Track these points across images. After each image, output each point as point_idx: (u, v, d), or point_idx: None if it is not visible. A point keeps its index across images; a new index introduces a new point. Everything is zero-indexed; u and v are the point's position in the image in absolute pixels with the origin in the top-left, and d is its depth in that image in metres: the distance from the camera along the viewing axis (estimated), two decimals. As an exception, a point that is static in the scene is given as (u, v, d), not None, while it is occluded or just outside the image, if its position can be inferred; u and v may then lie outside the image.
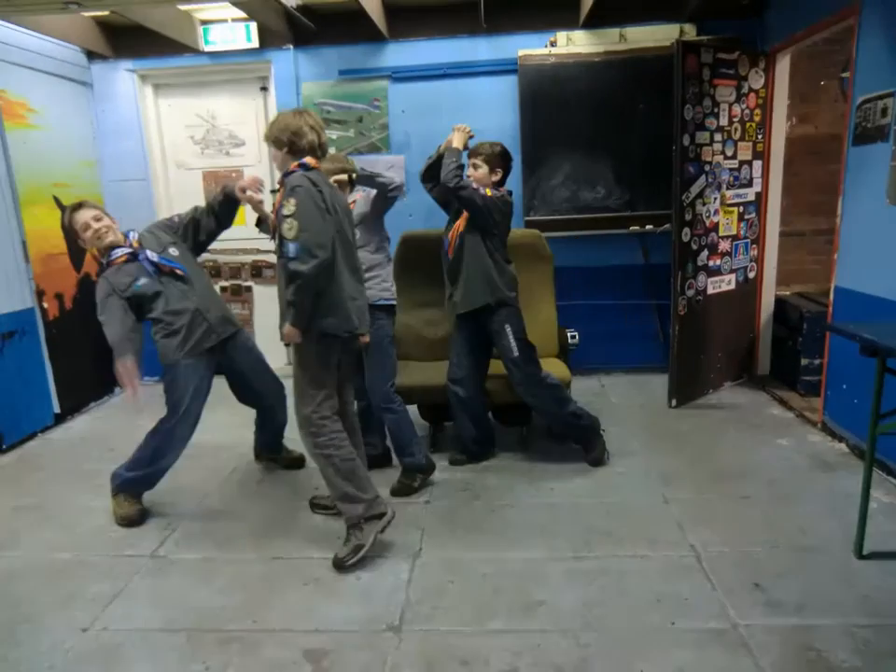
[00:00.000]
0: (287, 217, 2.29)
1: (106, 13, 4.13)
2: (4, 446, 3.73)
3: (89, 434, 4.05)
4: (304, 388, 2.47)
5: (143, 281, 2.78)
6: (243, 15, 4.19)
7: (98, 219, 2.82)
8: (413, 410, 3.55)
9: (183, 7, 4.15)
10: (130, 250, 2.81)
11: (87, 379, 4.48)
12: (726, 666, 1.88)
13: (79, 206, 2.85)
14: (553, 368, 3.26)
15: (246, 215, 4.82)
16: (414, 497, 2.99)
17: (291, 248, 2.30)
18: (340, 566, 2.43)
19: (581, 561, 2.43)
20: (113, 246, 2.82)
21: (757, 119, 4.05)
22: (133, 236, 2.87)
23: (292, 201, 2.30)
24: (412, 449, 3.02)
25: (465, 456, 3.30)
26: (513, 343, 3.01)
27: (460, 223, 3.05)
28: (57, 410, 4.18)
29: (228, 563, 2.53)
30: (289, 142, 2.40)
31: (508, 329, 3.01)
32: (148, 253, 2.81)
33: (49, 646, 2.09)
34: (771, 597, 2.16)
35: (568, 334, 3.39)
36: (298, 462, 3.34)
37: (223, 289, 4.99)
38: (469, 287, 3.02)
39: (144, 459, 2.85)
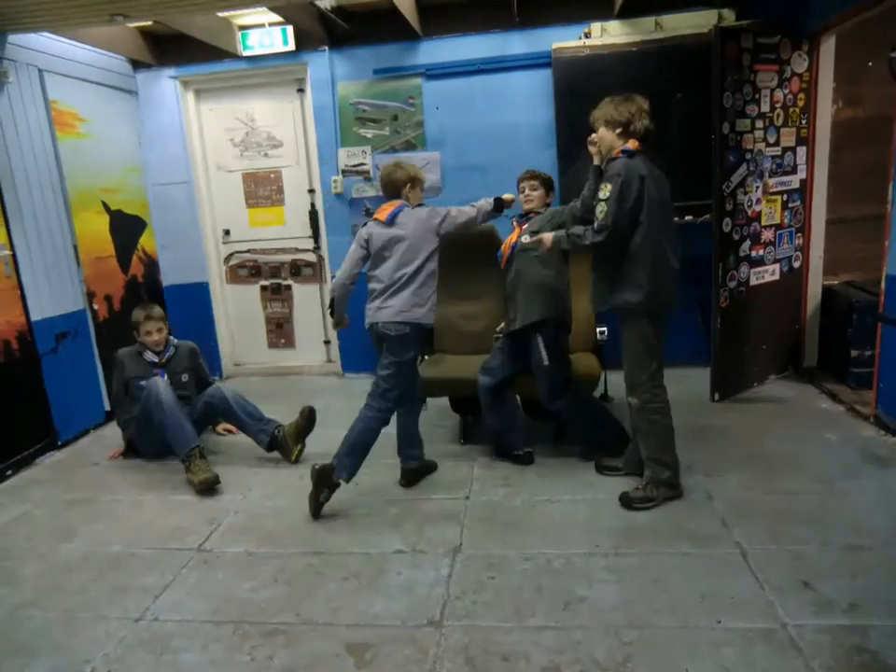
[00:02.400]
0: (602, 200, 2.55)
1: (150, 23, 4.24)
2: (59, 443, 3.88)
3: (138, 431, 4.18)
4: (641, 358, 2.68)
5: (143, 383, 3.42)
6: (279, 19, 4.25)
7: (160, 331, 3.59)
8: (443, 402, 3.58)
9: (222, 14, 4.24)
10: (156, 360, 3.58)
11: (135, 378, 4.62)
12: (775, 667, 1.83)
13: (148, 317, 3.57)
14: (586, 362, 3.25)
15: (285, 215, 4.95)
16: (455, 492, 3.00)
17: (589, 232, 2.61)
18: (627, 503, 2.74)
19: (622, 557, 2.40)
20: (154, 348, 3.58)
21: (801, 103, 3.92)
22: (170, 351, 3.63)
23: (609, 186, 2.53)
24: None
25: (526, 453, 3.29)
26: (544, 354, 3.06)
27: (513, 237, 3.22)
28: (107, 408, 4.32)
29: (271, 557, 2.58)
30: (625, 124, 2.59)
31: (539, 339, 3.06)
32: (163, 375, 3.52)
33: (103, 635, 2.17)
34: (822, 596, 2.10)
35: (597, 330, 3.35)
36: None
37: (263, 288, 5.09)
38: (522, 305, 3.16)
39: None
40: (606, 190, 2.54)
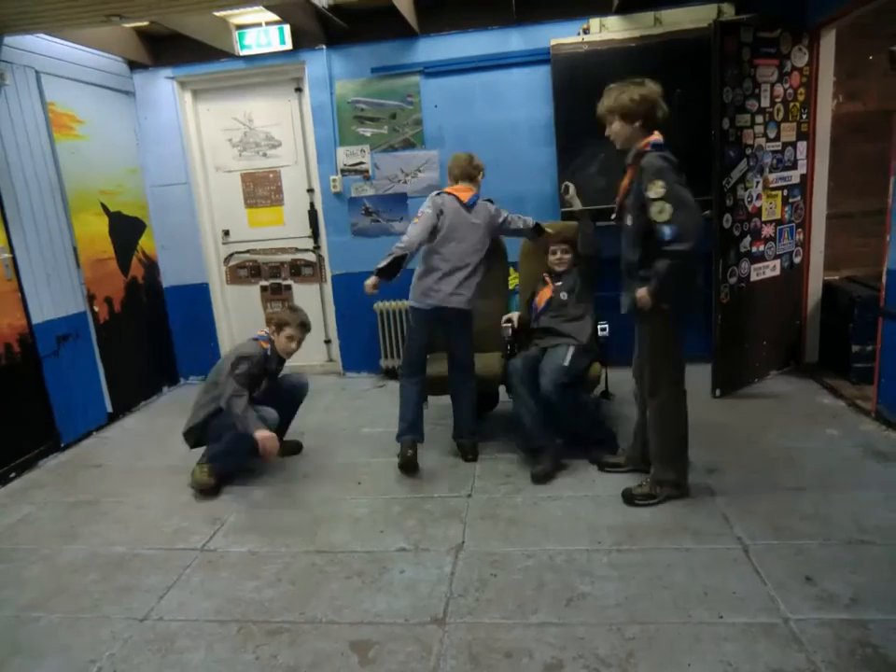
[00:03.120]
0: (657, 199, 2.34)
1: (146, 23, 4.24)
2: (62, 445, 3.89)
3: (140, 432, 4.19)
4: (665, 359, 2.63)
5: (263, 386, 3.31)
6: (276, 18, 4.24)
7: (300, 343, 3.38)
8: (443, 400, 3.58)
9: (219, 14, 4.23)
10: (273, 368, 3.38)
11: (136, 379, 4.64)
12: (778, 662, 1.84)
13: (303, 325, 3.35)
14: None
15: (285, 215, 4.95)
16: (457, 490, 3.01)
17: (667, 231, 2.35)
18: (629, 499, 2.72)
19: (624, 554, 2.41)
20: (283, 356, 3.38)
21: (801, 98, 3.91)
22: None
23: (659, 183, 2.33)
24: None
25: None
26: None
27: (546, 292, 3.34)
28: (109, 409, 4.34)
29: (274, 556, 2.59)
30: (645, 114, 2.42)
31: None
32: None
33: (108, 635, 2.18)
34: (823, 591, 2.10)
35: (598, 326, 3.36)
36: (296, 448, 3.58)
37: (263, 289, 5.09)
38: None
39: None
40: (657, 187, 2.35)
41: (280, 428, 3.33)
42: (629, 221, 2.56)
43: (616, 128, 2.52)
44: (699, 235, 2.38)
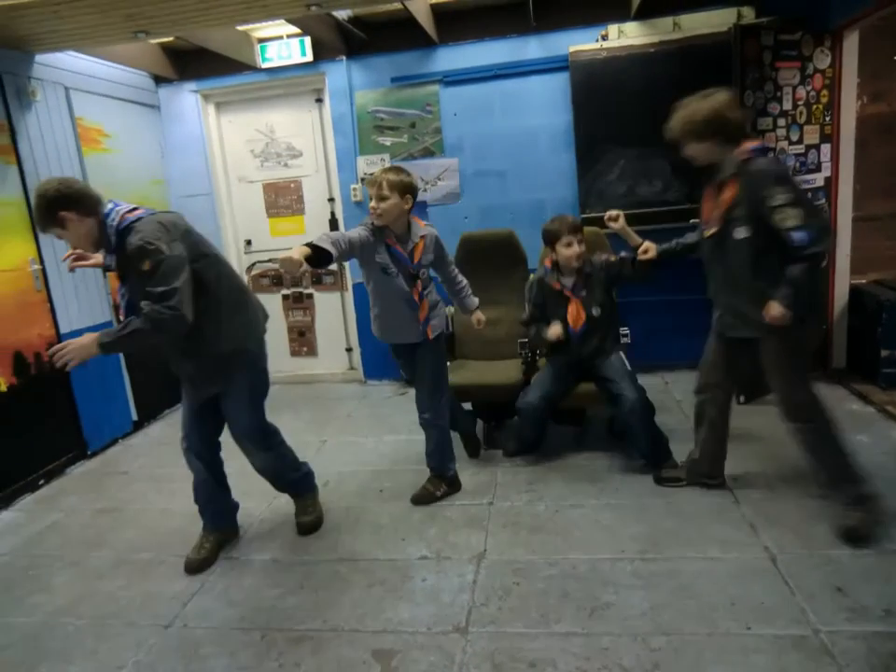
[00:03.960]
0: (781, 206, 2.21)
1: (171, 39, 4.33)
2: (89, 452, 3.96)
3: (164, 440, 4.24)
4: (794, 375, 2.45)
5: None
6: (297, 31, 4.30)
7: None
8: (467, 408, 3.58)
9: (241, 28, 4.30)
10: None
11: (160, 387, 4.69)
12: (808, 674, 1.80)
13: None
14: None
15: (306, 224, 4.99)
16: (478, 497, 3.00)
17: (799, 236, 2.20)
18: (848, 535, 2.38)
19: (648, 563, 2.38)
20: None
21: (824, 100, 3.86)
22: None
23: (780, 189, 2.21)
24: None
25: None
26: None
27: (580, 309, 3.12)
28: (135, 417, 4.40)
29: (297, 564, 2.60)
30: (716, 130, 2.31)
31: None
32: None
33: (134, 641, 2.20)
34: (855, 602, 2.05)
35: (620, 331, 3.34)
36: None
37: (285, 297, 5.14)
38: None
39: None
40: (779, 194, 2.21)
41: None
42: (741, 234, 2.37)
43: (691, 151, 2.43)
44: (829, 237, 2.31)
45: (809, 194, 3.88)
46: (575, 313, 3.09)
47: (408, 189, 2.65)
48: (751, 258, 2.38)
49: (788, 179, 2.28)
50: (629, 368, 3.08)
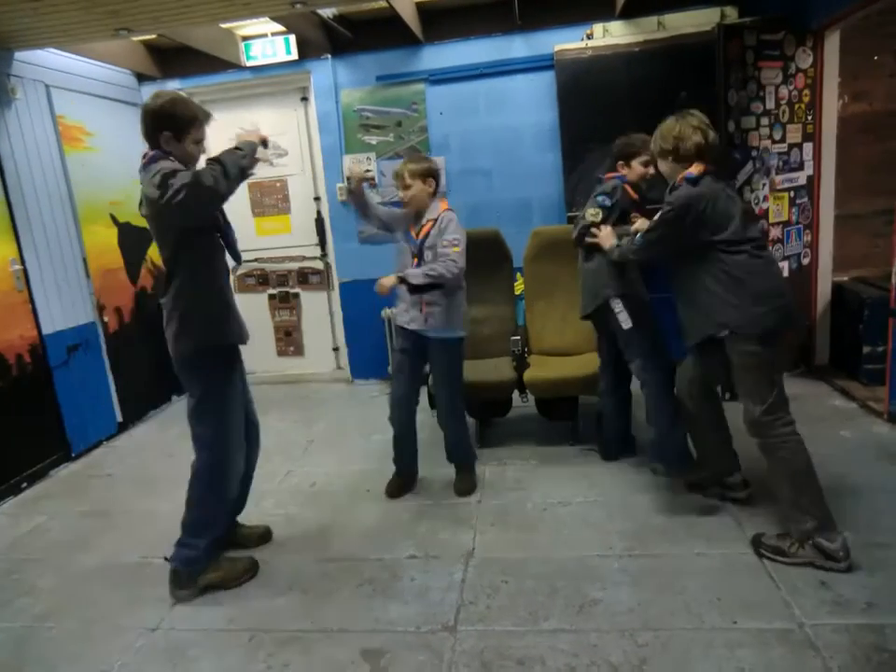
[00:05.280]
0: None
1: (154, 36, 4.29)
2: (73, 454, 3.91)
3: (150, 441, 4.20)
4: (759, 389, 2.31)
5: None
6: (282, 29, 4.28)
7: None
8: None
9: (225, 26, 4.27)
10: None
11: (146, 389, 4.66)
12: (793, 668, 1.82)
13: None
14: (594, 361, 3.24)
15: (292, 223, 4.97)
16: (465, 496, 3.00)
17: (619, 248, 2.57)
18: (756, 544, 2.36)
19: (635, 559, 2.39)
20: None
21: (806, 99, 3.90)
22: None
23: (665, 207, 2.38)
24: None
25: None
26: None
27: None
28: (119, 419, 4.36)
29: (284, 565, 2.58)
30: (673, 148, 2.41)
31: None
32: None
33: (120, 645, 2.18)
34: (838, 596, 2.08)
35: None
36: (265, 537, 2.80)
37: (271, 297, 5.11)
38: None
39: None
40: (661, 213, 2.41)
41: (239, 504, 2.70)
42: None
43: (660, 167, 2.56)
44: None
45: (792, 192, 3.93)
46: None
47: (428, 174, 2.84)
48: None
49: (682, 206, 2.31)
50: (625, 326, 2.84)
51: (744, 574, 2.24)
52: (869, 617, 1.98)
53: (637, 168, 2.94)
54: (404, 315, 2.90)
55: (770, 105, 3.74)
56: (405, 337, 2.95)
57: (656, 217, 2.45)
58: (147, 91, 4.77)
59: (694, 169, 2.37)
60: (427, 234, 2.82)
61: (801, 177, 3.97)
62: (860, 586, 2.11)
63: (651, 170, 2.90)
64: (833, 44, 3.90)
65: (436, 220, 2.83)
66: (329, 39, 4.45)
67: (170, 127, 2.26)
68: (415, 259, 2.83)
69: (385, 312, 4.70)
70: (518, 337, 3.50)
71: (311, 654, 2.06)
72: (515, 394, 3.45)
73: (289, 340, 5.20)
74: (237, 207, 4.97)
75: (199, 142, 2.40)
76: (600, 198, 2.89)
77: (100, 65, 4.33)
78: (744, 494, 2.71)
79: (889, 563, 2.22)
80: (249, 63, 4.56)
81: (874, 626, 1.94)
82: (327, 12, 4.11)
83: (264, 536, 2.77)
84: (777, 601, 2.09)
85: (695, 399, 2.66)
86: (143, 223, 5.00)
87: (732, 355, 2.36)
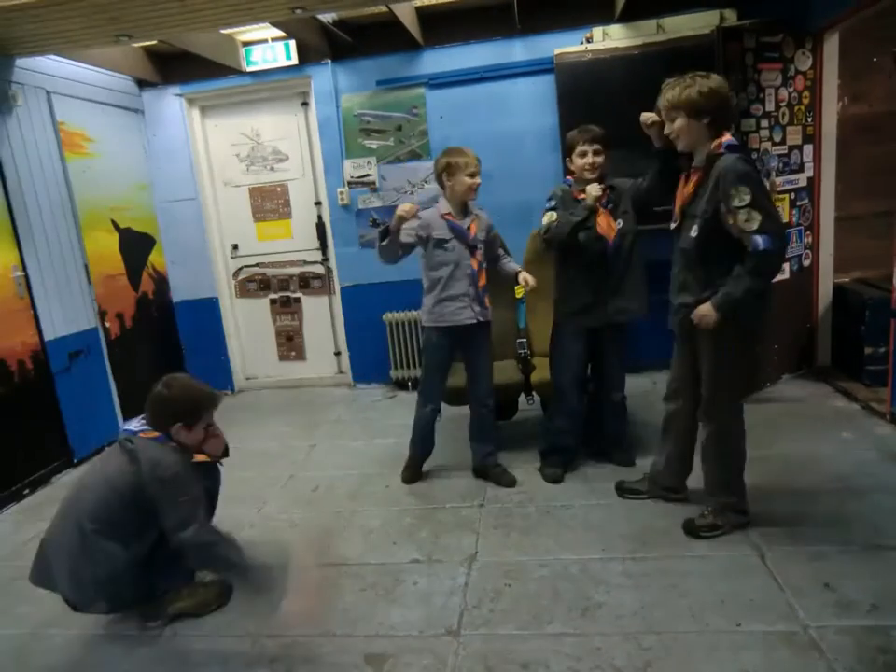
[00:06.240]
0: (742, 207, 2.12)
1: (154, 42, 4.30)
2: (75, 461, 3.91)
3: (152, 447, 4.20)
4: (729, 380, 2.39)
5: None
6: (282, 34, 4.29)
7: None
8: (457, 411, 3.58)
9: (225, 31, 4.28)
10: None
11: (147, 394, 4.65)
12: (798, 670, 1.82)
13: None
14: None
15: (293, 228, 4.98)
16: (469, 500, 3.00)
17: (760, 241, 2.11)
18: (693, 532, 2.50)
19: (639, 562, 2.39)
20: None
21: (806, 101, 3.91)
22: None
23: (744, 189, 2.11)
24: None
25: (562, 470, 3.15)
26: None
27: (610, 221, 2.87)
28: (121, 424, 4.36)
29: (286, 569, 2.58)
30: (716, 109, 2.18)
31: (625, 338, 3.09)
32: None
33: (123, 651, 2.18)
34: (843, 597, 2.08)
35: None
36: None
37: (273, 301, 5.12)
38: (634, 295, 2.96)
39: None
40: (742, 195, 2.11)
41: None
42: (693, 232, 2.29)
43: (680, 125, 2.26)
44: (786, 248, 2.26)
45: (793, 194, 3.94)
46: (606, 224, 2.85)
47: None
48: (699, 258, 2.31)
49: (753, 179, 2.17)
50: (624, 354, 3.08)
51: (747, 576, 2.24)
52: (874, 619, 1.97)
53: (575, 161, 2.93)
54: (465, 311, 2.98)
55: (770, 107, 3.75)
56: (448, 334, 3.03)
57: (742, 203, 2.13)
58: (149, 97, 4.79)
59: (731, 137, 2.23)
60: (476, 231, 3.02)
61: (801, 179, 3.97)
62: (864, 588, 2.10)
63: (595, 158, 2.86)
64: (832, 46, 3.90)
65: (477, 217, 3.05)
66: (330, 44, 4.47)
67: (182, 419, 2.20)
68: (476, 252, 3.01)
69: (387, 317, 4.70)
70: (524, 339, 3.49)
71: (314, 659, 2.06)
72: (521, 397, 3.45)
73: (291, 344, 5.20)
74: (238, 212, 5.00)
75: (209, 426, 2.30)
76: (547, 203, 2.97)
77: (101, 72, 4.34)
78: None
79: (894, 564, 2.22)
80: (250, 69, 4.58)
81: (879, 628, 1.93)
82: (327, 17, 4.13)
83: (223, 595, 2.42)
84: (780, 603, 2.08)
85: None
86: (144, 228, 5.06)
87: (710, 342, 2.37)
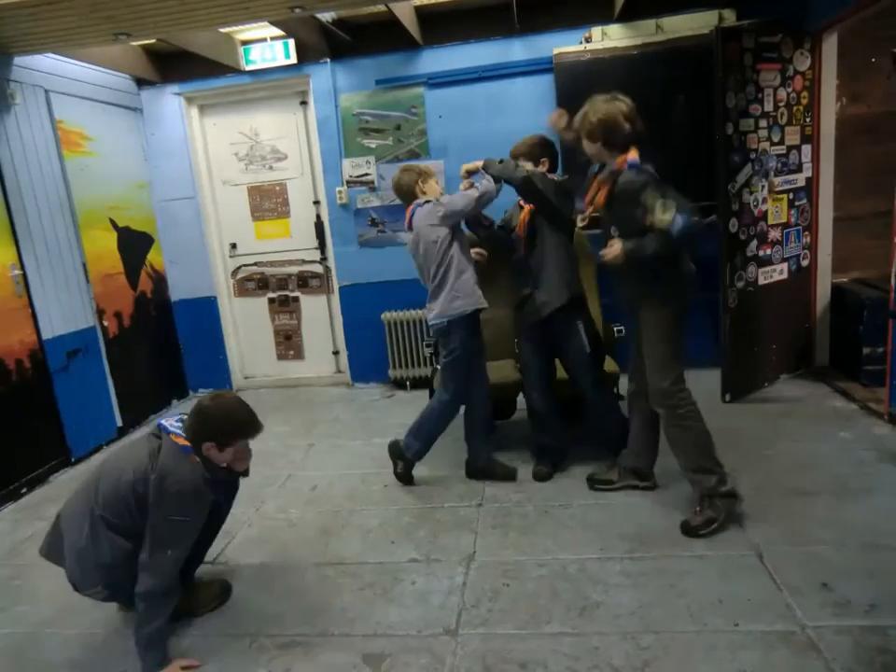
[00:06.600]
0: (657, 203, 2.35)
1: (153, 41, 4.29)
2: (72, 459, 3.91)
3: (150, 446, 4.19)
4: (666, 361, 2.54)
5: None
6: (281, 33, 4.29)
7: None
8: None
9: (224, 30, 4.28)
10: None
11: (145, 393, 4.66)
12: (796, 670, 1.82)
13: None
14: (606, 362, 3.24)
15: (291, 227, 4.97)
16: (467, 499, 3.00)
17: (679, 220, 2.32)
18: (691, 533, 2.52)
19: (637, 562, 2.39)
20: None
21: (804, 101, 3.91)
22: None
23: (649, 192, 2.37)
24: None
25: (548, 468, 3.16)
26: (585, 340, 2.99)
27: (524, 215, 3.02)
28: (119, 423, 4.35)
29: (285, 569, 2.58)
30: (605, 135, 2.47)
31: (580, 325, 2.99)
32: None
33: (121, 651, 2.17)
34: (841, 597, 2.08)
35: (615, 328, 3.37)
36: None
37: (271, 300, 5.12)
38: (550, 286, 2.95)
39: None
40: (649, 197, 2.37)
41: (191, 568, 2.36)
42: (614, 233, 2.57)
43: (584, 146, 2.58)
44: (698, 222, 2.40)
45: (791, 194, 3.94)
46: (522, 217, 3.04)
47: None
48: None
49: (650, 184, 2.40)
50: (589, 349, 2.97)
51: (745, 576, 2.24)
52: (872, 619, 1.97)
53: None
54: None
55: (768, 107, 3.75)
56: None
57: (654, 200, 2.37)
58: (147, 96, 4.79)
59: (633, 155, 2.47)
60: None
61: (800, 179, 3.98)
62: (862, 588, 2.11)
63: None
64: (830, 46, 3.91)
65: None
66: (329, 43, 4.46)
67: (216, 439, 2.08)
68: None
69: (386, 316, 4.70)
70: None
71: (312, 659, 2.05)
72: (519, 396, 3.45)
73: (289, 343, 5.19)
74: (237, 211, 5.00)
75: (239, 451, 2.15)
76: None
77: (99, 70, 4.33)
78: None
79: (892, 565, 2.22)
80: (249, 68, 4.57)
81: (877, 628, 1.93)
82: (326, 16, 4.13)
83: (222, 595, 2.42)
84: (778, 603, 2.09)
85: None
86: (143, 227, 5.06)
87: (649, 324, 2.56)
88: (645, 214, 2.40)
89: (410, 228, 3.02)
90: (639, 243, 2.44)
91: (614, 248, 2.48)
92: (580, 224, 3.10)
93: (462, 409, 3.17)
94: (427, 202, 2.97)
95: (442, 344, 3.03)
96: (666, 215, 2.35)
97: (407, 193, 3.03)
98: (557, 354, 3.12)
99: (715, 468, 2.56)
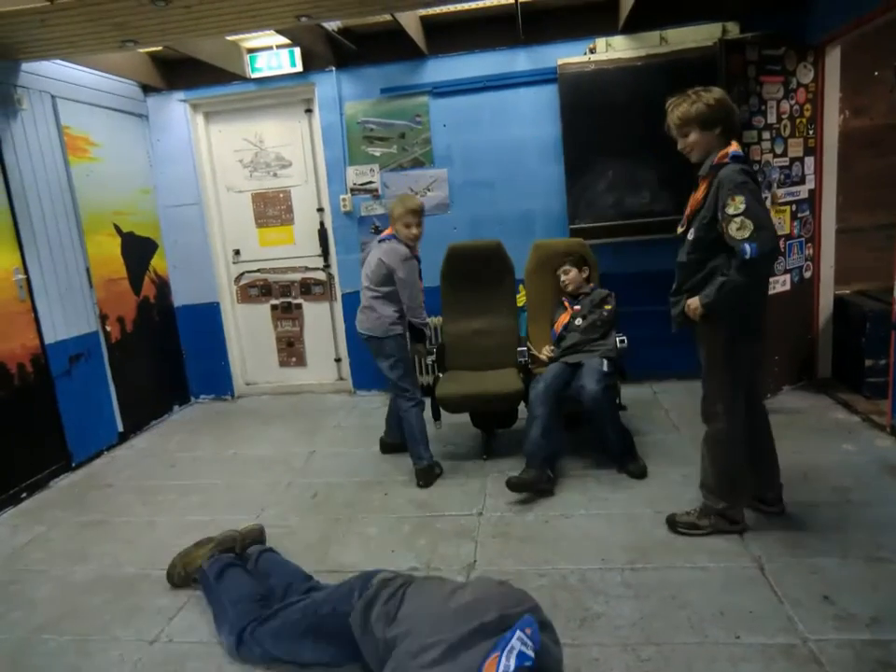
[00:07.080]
0: (736, 216, 2.20)
1: (160, 48, 4.32)
2: (73, 464, 3.90)
3: (150, 451, 4.19)
4: (718, 381, 2.46)
5: None
6: (287, 41, 4.32)
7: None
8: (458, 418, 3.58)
9: (231, 38, 4.31)
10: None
11: (147, 398, 4.66)
12: (797, 683, 1.81)
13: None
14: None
15: (295, 234, 4.99)
16: (468, 508, 2.99)
17: (747, 248, 2.19)
18: (672, 525, 2.61)
19: (638, 573, 2.38)
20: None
21: (807, 114, 3.92)
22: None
23: (739, 198, 2.20)
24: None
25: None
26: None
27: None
28: (120, 429, 4.35)
29: (285, 576, 2.57)
30: (725, 119, 2.31)
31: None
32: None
33: (118, 657, 2.17)
34: (843, 610, 2.07)
35: (617, 339, 3.37)
36: None
37: (273, 307, 5.12)
38: None
39: None
40: (737, 204, 2.20)
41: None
42: (690, 235, 2.41)
43: (693, 139, 2.37)
44: (776, 256, 2.36)
45: (794, 206, 3.94)
46: (563, 318, 3.53)
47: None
48: (697, 260, 2.41)
49: (749, 189, 2.23)
50: (605, 370, 3.16)
51: (747, 588, 2.23)
52: (874, 632, 1.96)
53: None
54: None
55: (772, 119, 3.76)
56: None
57: (736, 212, 2.21)
58: (153, 102, 4.82)
59: (735, 146, 2.33)
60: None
61: (802, 191, 3.98)
62: (864, 601, 2.09)
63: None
64: (833, 59, 3.93)
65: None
66: (334, 52, 4.49)
67: None
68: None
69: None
70: (526, 347, 3.54)
71: (311, 666, 2.04)
72: (521, 405, 3.45)
73: (291, 350, 5.20)
74: (241, 217, 5.01)
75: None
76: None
77: (106, 76, 4.37)
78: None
79: (894, 578, 2.21)
80: (254, 76, 4.60)
81: (879, 642, 1.92)
82: (332, 25, 4.15)
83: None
84: (780, 616, 2.07)
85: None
86: (147, 233, 5.09)
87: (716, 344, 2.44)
88: (722, 221, 2.26)
89: (380, 241, 3.34)
90: (711, 290, 2.31)
91: (692, 308, 2.38)
92: None
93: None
94: (395, 240, 3.26)
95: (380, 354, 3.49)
96: (738, 233, 2.20)
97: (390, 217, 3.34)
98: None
99: (727, 496, 2.51)
